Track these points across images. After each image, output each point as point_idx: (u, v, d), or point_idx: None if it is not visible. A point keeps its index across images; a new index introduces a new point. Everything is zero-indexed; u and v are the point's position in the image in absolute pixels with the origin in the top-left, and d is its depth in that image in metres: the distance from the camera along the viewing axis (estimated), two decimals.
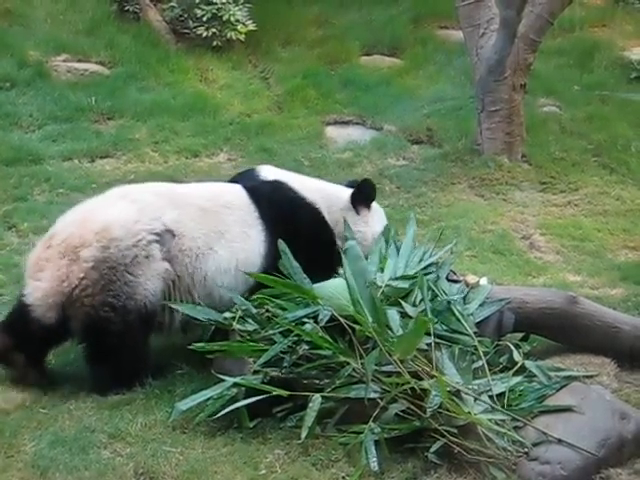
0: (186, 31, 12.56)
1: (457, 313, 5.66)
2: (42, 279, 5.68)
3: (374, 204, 6.62)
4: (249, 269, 5.92)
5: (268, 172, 6.50)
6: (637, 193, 10.17)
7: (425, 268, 5.97)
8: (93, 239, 5.64)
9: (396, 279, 5.80)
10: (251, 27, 12.43)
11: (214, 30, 12.29)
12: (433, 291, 5.79)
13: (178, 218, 5.85)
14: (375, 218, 6.60)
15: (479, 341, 5.55)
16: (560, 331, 6.11)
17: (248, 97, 11.76)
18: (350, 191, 6.55)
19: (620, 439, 5.17)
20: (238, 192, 6.23)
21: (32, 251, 5.90)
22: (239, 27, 12.35)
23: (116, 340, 5.66)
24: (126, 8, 12.62)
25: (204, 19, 12.28)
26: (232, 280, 5.95)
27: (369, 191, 6.57)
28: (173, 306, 5.79)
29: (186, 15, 12.53)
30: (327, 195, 6.51)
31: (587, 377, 5.79)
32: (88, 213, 5.82)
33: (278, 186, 6.34)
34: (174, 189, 6.19)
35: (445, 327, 5.59)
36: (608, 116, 11.78)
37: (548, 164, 10.53)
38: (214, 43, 12.34)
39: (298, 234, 6.07)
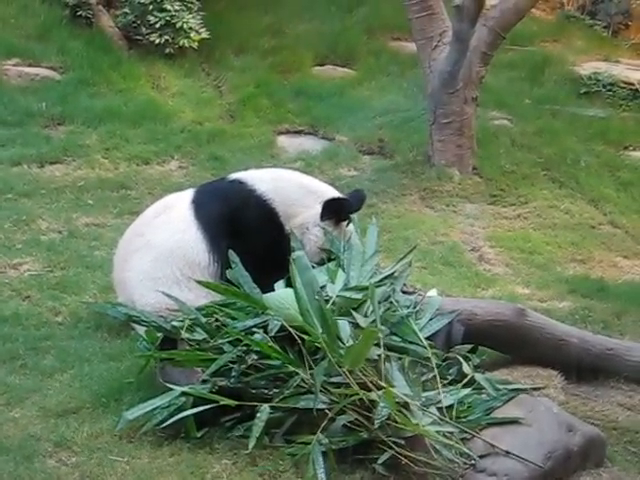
0: (139, 38, 12.47)
1: (411, 324, 5.65)
2: None
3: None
4: None
5: None
6: (585, 207, 10.27)
7: (381, 280, 5.91)
8: None
9: (348, 289, 5.75)
10: (204, 35, 12.39)
11: (167, 37, 12.23)
12: (387, 302, 5.77)
13: None
14: None
15: (433, 353, 5.54)
16: (508, 343, 6.13)
17: (200, 105, 11.71)
18: None
19: (566, 451, 5.20)
20: None
21: None
22: (192, 35, 12.30)
23: None
24: (78, 13, 12.47)
25: (157, 26, 12.21)
26: None
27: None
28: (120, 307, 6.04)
29: (139, 22, 12.42)
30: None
31: (535, 389, 5.81)
32: None
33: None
34: None
35: (398, 338, 5.57)
36: (558, 130, 11.91)
37: (498, 177, 10.60)
38: (167, 50, 12.27)
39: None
